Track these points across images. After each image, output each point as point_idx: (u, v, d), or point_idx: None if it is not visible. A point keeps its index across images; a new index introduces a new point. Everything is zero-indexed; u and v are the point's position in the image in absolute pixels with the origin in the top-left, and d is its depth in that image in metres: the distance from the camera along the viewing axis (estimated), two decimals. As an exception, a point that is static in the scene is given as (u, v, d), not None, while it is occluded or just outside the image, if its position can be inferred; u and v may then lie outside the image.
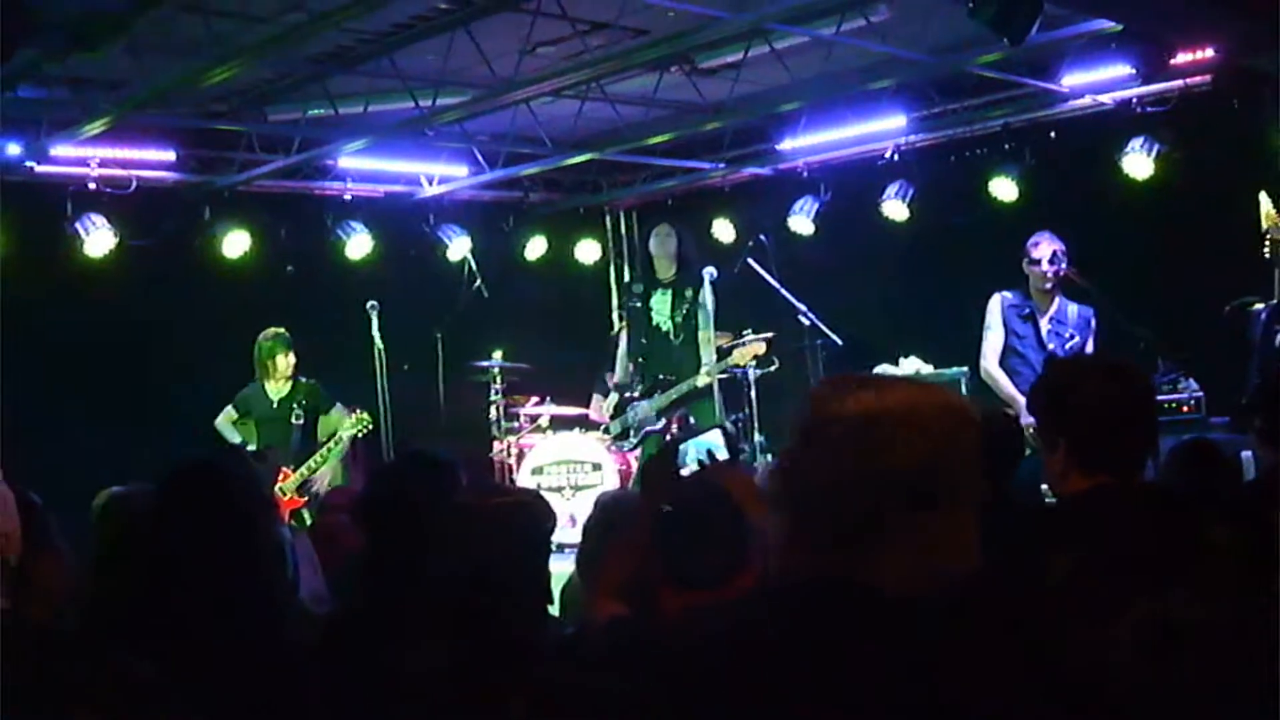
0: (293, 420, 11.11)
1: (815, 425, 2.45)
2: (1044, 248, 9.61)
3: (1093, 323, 9.74)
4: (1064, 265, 9.60)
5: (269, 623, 3.50)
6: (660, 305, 11.84)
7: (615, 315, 15.85)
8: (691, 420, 11.40)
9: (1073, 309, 9.73)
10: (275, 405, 11.20)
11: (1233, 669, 2.50)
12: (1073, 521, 3.59)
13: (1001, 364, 9.71)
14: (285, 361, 11.18)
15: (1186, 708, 2.41)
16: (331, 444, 11.06)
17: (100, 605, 3.61)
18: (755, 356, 11.41)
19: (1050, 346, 9.55)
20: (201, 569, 3.45)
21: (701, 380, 11.39)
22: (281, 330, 11.26)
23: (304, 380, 11.28)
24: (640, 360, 12.01)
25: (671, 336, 11.72)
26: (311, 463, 10.96)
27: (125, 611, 3.39)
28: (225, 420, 11.34)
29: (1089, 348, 9.64)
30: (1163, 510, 3.35)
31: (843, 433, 2.40)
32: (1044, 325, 9.67)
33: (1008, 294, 9.87)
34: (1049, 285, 9.63)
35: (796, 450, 2.48)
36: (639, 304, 11.94)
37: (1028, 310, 9.73)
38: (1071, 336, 9.62)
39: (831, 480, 2.39)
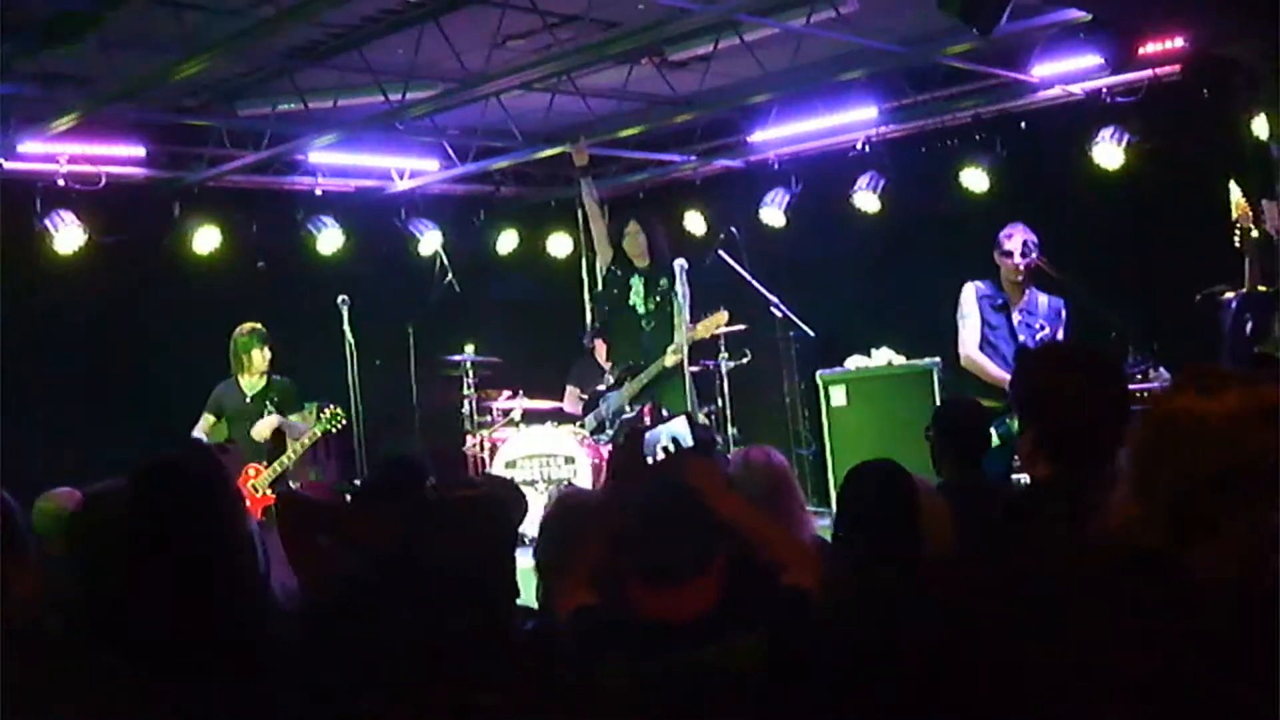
0: (265, 416, 11.00)
1: (1173, 417, 2.58)
2: (1016, 240, 9.63)
3: (1063, 314, 9.77)
4: (1035, 256, 9.62)
5: (243, 618, 3.49)
6: (637, 287, 11.85)
7: (588, 309, 15.85)
8: (664, 411, 11.40)
9: (1043, 300, 9.76)
10: (249, 400, 11.08)
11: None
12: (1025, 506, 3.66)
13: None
14: (261, 357, 11.06)
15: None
16: (305, 439, 10.98)
17: (77, 605, 3.60)
18: (720, 327, 11.44)
19: (1021, 338, 9.58)
20: (171, 566, 3.43)
21: (669, 360, 11.39)
22: (258, 325, 11.13)
23: (279, 378, 11.18)
24: (610, 345, 12.04)
25: (644, 324, 11.72)
26: (284, 459, 10.88)
27: (102, 611, 3.38)
28: (204, 429, 11.09)
29: (1059, 339, 9.68)
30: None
31: (1203, 427, 2.53)
32: (1015, 317, 9.69)
33: (980, 284, 9.89)
34: (1020, 277, 9.65)
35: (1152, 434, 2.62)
36: (615, 291, 11.94)
37: (1000, 301, 9.75)
38: (1042, 328, 9.65)
39: (1179, 468, 2.52)
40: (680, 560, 3.59)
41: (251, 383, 11.10)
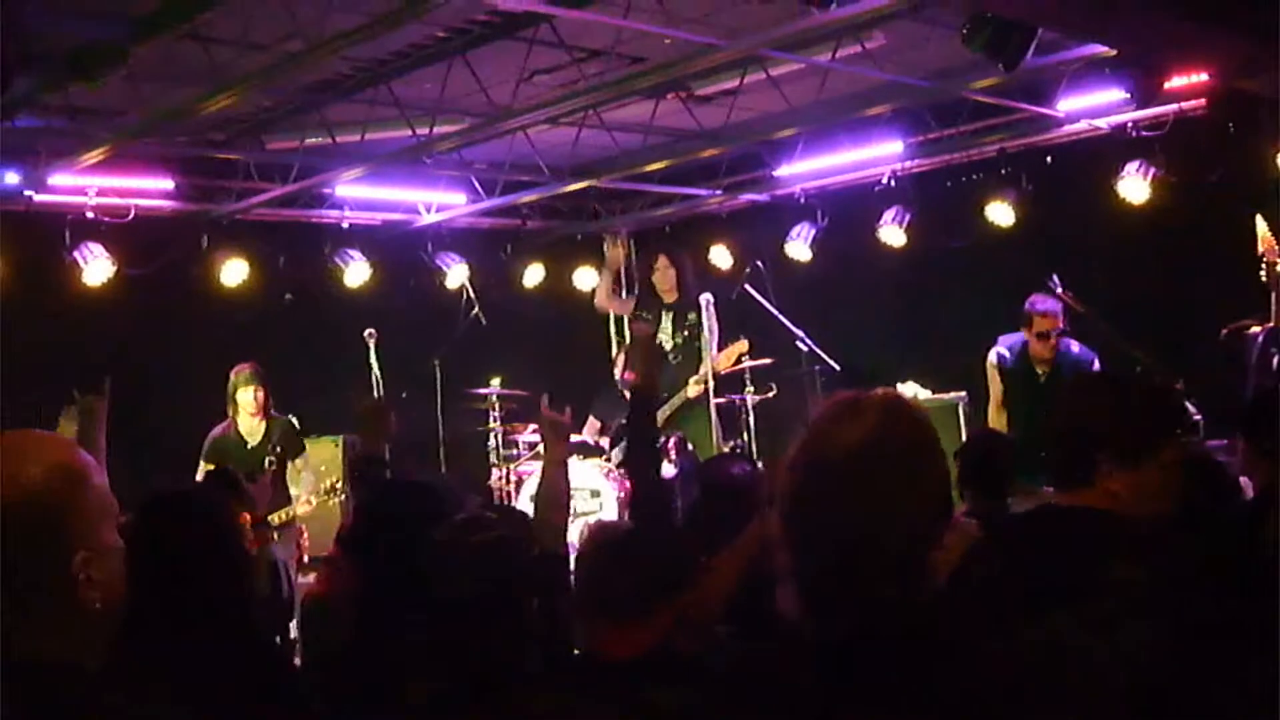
0: (265, 465, 10.42)
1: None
2: (1049, 319, 9.64)
3: (1096, 367, 9.77)
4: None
5: (251, 646, 3.50)
6: (665, 324, 11.90)
7: (614, 342, 15.88)
8: (689, 446, 11.41)
9: (1070, 360, 9.75)
10: (249, 448, 10.71)
11: (1115, 699, 2.54)
12: (1003, 539, 3.64)
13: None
14: (247, 397, 10.70)
15: None
16: (305, 505, 10.52)
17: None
18: (741, 355, 11.44)
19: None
20: (175, 596, 3.45)
21: (692, 391, 11.41)
22: (249, 366, 10.82)
23: (278, 417, 10.87)
24: None
25: (670, 358, 11.74)
26: (282, 514, 10.34)
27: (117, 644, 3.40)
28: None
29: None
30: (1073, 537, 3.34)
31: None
32: (1043, 385, 9.76)
33: (1004, 350, 9.94)
34: (1052, 354, 9.70)
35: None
36: (649, 315, 11.95)
37: (1023, 374, 9.78)
38: None
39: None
40: (623, 600, 3.63)
41: (251, 426, 10.79)
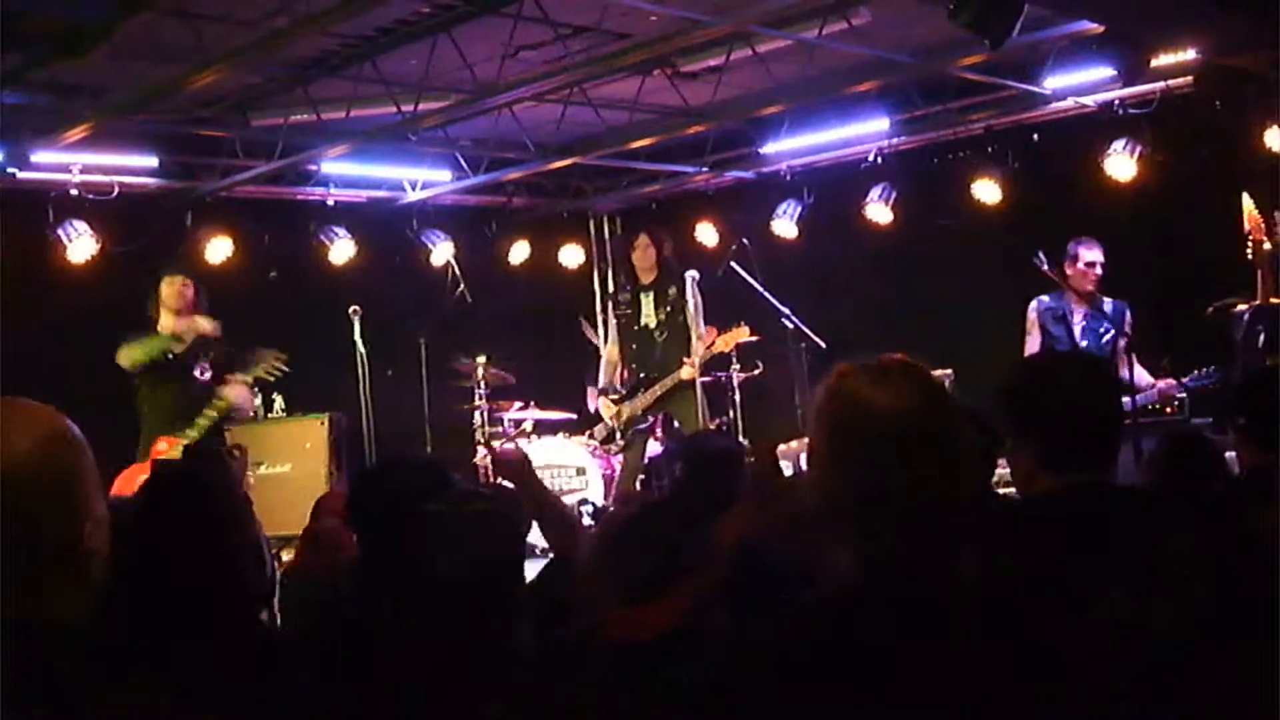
0: (196, 373, 9.95)
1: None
2: (1097, 251, 9.75)
3: (1128, 316, 9.82)
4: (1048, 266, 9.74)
5: (249, 627, 3.49)
6: (646, 305, 11.87)
7: (599, 321, 15.85)
8: (676, 423, 11.39)
9: (1108, 304, 9.83)
10: (173, 352, 10.09)
11: (1190, 669, 2.53)
12: (1048, 521, 3.58)
13: None
14: (171, 290, 10.13)
15: (1150, 703, 2.44)
16: (216, 400, 9.83)
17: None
18: (738, 344, 11.43)
19: (1084, 344, 9.62)
20: (180, 575, 3.44)
21: (685, 373, 11.38)
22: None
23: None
24: (632, 365, 12.00)
25: (656, 335, 11.72)
26: (201, 421, 9.72)
27: (111, 618, 3.39)
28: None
29: (1121, 341, 9.62)
30: (1132, 512, 3.33)
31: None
32: (1077, 324, 9.78)
33: (1045, 297, 10.01)
34: (1094, 286, 9.77)
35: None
36: (628, 310, 11.91)
37: (1061, 312, 9.84)
38: (1107, 330, 9.70)
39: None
40: (639, 581, 3.60)
41: (176, 327, 10.19)
